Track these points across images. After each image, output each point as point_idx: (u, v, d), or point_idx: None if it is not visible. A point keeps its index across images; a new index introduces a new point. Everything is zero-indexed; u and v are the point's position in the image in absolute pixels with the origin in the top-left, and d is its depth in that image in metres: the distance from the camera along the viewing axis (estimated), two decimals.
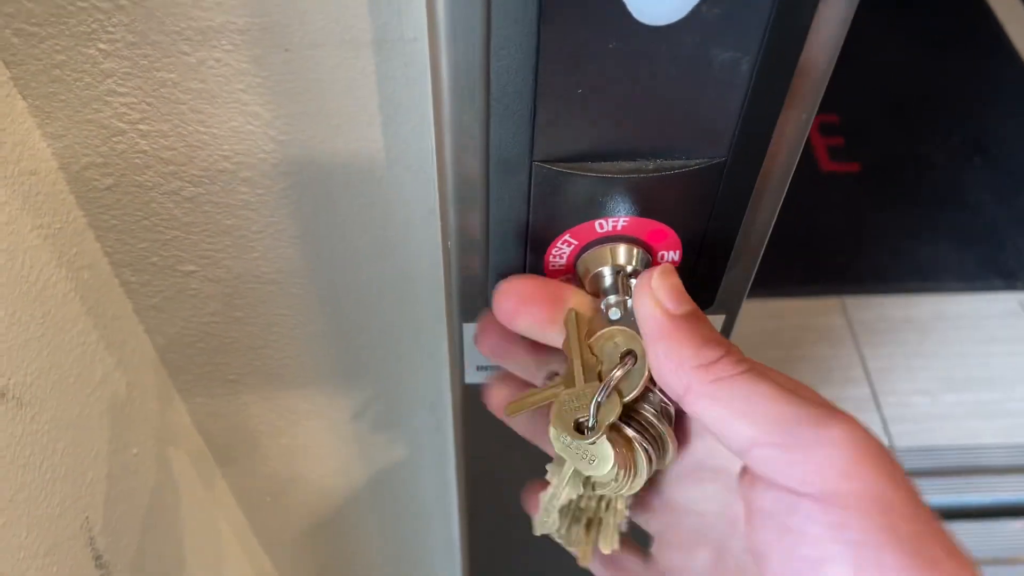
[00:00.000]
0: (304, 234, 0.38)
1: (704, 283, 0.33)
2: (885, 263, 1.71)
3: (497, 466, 0.49)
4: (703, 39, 0.25)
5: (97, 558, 0.37)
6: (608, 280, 0.31)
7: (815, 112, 0.28)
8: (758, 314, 1.59)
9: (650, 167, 0.28)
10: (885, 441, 1.39)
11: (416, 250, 0.38)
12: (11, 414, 0.31)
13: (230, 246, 0.38)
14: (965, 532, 1.35)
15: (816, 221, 1.74)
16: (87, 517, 0.36)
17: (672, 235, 0.31)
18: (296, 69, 0.31)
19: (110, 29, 0.29)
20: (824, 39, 0.27)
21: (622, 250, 0.31)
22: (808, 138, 1.49)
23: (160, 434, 0.45)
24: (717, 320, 0.38)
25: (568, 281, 0.32)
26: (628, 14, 0.24)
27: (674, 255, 0.32)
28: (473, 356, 0.39)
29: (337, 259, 0.39)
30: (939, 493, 1.39)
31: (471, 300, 0.36)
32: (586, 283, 0.31)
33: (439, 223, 0.33)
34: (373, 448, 0.53)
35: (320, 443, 0.52)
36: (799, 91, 0.27)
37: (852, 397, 1.48)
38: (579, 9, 0.24)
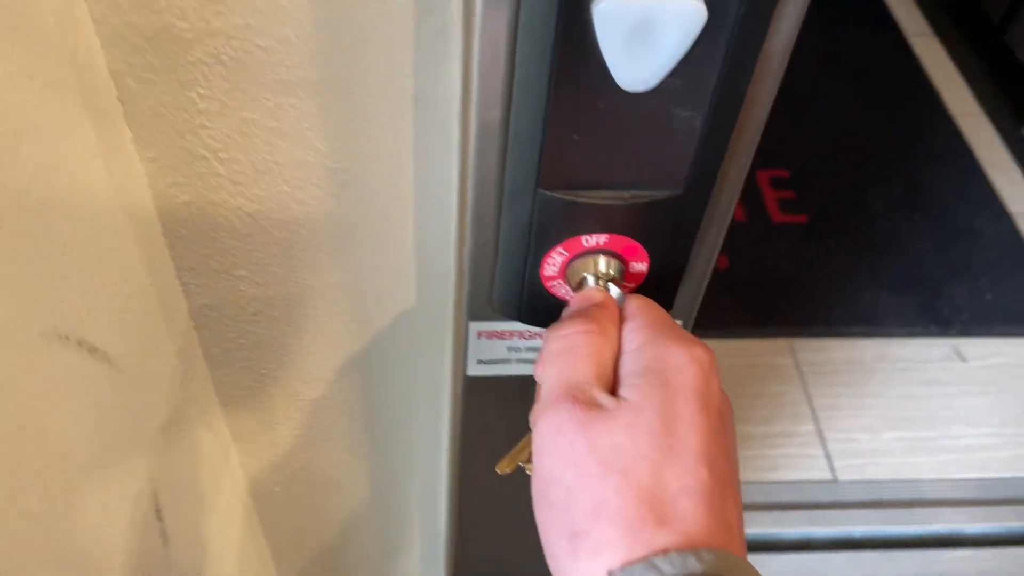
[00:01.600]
0: (341, 248, 0.46)
1: (666, 290, 0.42)
2: (831, 308, 1.81)
3: (490, 464, 0.57)
4: (668, 102, 0.34)
5: (158, 511, 0.44)
6: (591, 283, 0.40)
7: (751, 156, 0.37)
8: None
9: (626, 196, 0.37)
10: (829, 475, 1.49)
11: (432, 266, 0.47)
12: (113, 379, 0.39)
13: (278, 255, 0.46)
14: (906, 561, 1.43)
15: (767, 269, 1.84)
16: (152, 478, 0.44)
17: (642, 251, 0.40)
18: (352, 115, 0.40)
19: (210, 78, 0.38)
20: (759, 101, 0.36)
21: (602, 260, 0.39)
22: (760, 192, 1.60)
23: (200, 419, 0.53)
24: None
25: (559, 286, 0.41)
26: (615, 84, 0.33)
27: (643, 267, 0.41)
28: (476, 351, 0.48)
29: (365, 268, 0.48)
30: (881, 524, 1.47)
31: (479, 301, 0.44)
32: (573, 286, 0.40)
33: (454, 239, 0.42)
34: (376, 441, 0.60)
35: (330, 436, 0.60)
36: (739, 140, 0.36)
37: (799, 432, 1.57)
38: (580, 79, 0.33)
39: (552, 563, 0.34)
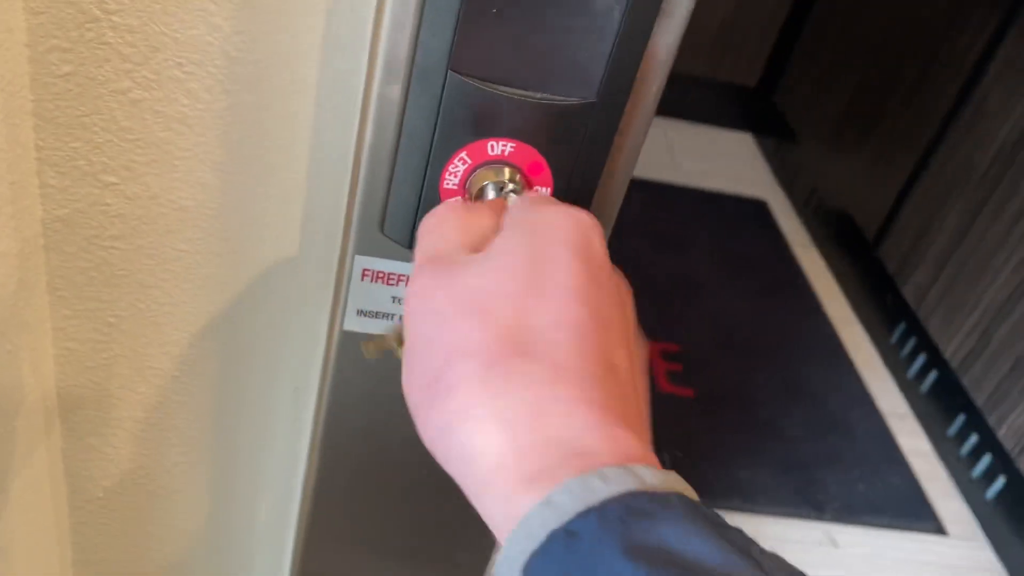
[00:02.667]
0: (226, 162, 0.43)
1: None
2: (710, 481, 1.82)
3: (355, 465, 0.52)
4: None
5: None
6: (491, 194, 0.37)
7: (666, 74, 0.37)
8: None
9: (537, 96, 0.36)
10: None
11: (324, 194, 0.44)
12: None
13: (156, 160, 0.42)
14: None
15: (652, 437, 1.84)
16: None
17: (547, 171, 0.38)
18: None
19: None
20: (677, 10, 0.36)
21: (507, 171, 0.38)
22: (650, 361, 1.64)
23: (27, 360, 0.46)
24: None
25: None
26: None
27: (546, 191, 0.39)
28: (357, 297, 0.44)
29: (248, 193, 0.44)
30: None
31: (369, 229, 0.41)
32: (472, 197, 0.38)
33: (353, 144, 0.40)
34: (225, 434, 0.54)
35: (173, 427, 0.53)
36: (655, 48, 0.36)
37: None
38: None
39: (418, 428, 0.29)
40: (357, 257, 0.42)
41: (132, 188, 0.43)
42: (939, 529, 1.79)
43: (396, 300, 0.44)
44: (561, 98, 0.37)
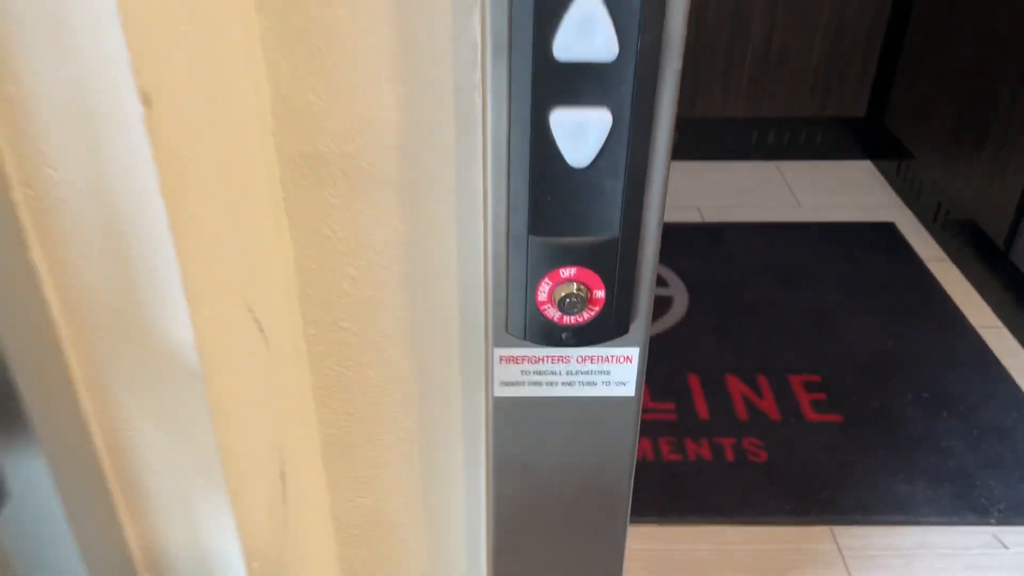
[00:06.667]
0: (410, 302, 0.70)
1: (619, 317, 0.64)
2: (869, 498, 1.91)
3: (524, 495, 0.76)
4: (599, 176, 0.59)
5: (283, 473, 0.65)
6: (567, 301, 0.62)
7: (662, 215, 0.61)
8: (754, 539, 1.79)
9: (583, 239, 0.61)
10: None
11: (469, 310, 0.70)
12: (266, 354, 0.62)
13: (367, 312, 0.70)
14: None
15: (804, 462, 1.98)
16: (281, 445, 0.65)
17: (599, 280, 0.63)
18: (421, 204, 0.65)
19: (338, 183, 0.64)
20: (655, 178, 0.60)
21: (575, 285, 0.62)
22: (794, 394, 1.84)
23: (306, 449, 0.74)
24: (632, 352, 0.68)
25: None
26: (566, 163, 0.58)
27: (601, 293, 0.63)
28: (499, 374, 0.69)
29: (425, 320, 0.71)
30: None
31: (499, 330, 0.67)
32: (555, 304, 0.63)
33: (482, 283, 0.66)
34: (427, 478, 0.80)
35: (394, 472, 0.80)
36: (648, 203, 0.61)
37: None
38: (546, 162, 0.58)
39: None
40: (495, 348, 0.68)
41: (355, 328, 0.71)
42: None
43: (523, 372, 0.69)
44: (597, 236, 0.61)
